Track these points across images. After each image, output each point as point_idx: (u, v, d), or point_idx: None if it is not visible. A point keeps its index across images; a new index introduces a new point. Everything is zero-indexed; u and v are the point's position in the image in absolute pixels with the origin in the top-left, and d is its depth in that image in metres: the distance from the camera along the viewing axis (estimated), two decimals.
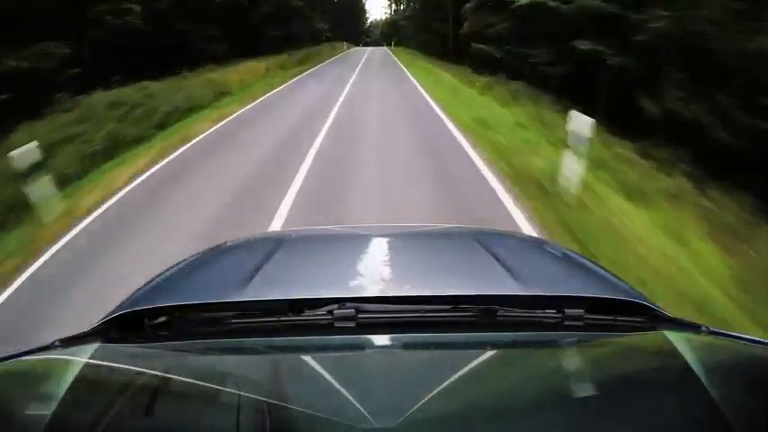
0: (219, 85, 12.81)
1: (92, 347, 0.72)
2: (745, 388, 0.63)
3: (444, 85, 13.46)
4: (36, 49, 8.70)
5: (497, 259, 0.94)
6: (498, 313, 0.76)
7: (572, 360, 0.76)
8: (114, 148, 7.19)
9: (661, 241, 3.75)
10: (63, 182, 5.51)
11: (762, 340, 0.70)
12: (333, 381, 0.63)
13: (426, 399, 0.56)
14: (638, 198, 4.61)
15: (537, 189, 4.63)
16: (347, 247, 1.18)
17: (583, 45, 9.10)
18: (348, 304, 0.75)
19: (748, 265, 3.51)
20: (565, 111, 5.30)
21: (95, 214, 4.80)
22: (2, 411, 0.59)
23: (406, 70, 19.28)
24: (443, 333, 0.76)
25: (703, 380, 0.59)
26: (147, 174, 6.02)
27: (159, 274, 1.04)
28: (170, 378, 0.68)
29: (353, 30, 66.73)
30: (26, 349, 0.72)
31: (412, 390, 0.60)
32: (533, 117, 8.31)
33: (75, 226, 4.52)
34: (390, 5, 71.72)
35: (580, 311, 0.77)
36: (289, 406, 0.59)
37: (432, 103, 10.24)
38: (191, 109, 10.14)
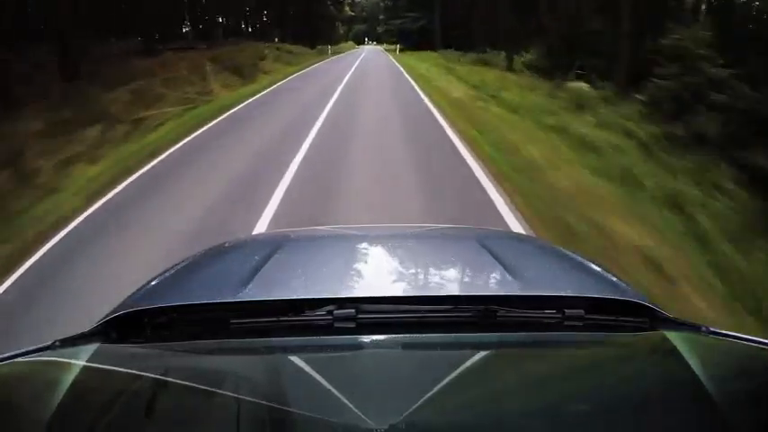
0: None
1: (91, 348, 0.72)
2: (745, 388, 0.63)
3: None
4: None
5: (497, 259, 0.94)
6: (498, 313, 0.76)
7: (572, 360, 0.76)
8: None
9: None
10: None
11: (762, 340, 0.70)
12: (333, 381, 0.63)
13: (427, 399, 0.56)
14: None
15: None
16: (347, 247, 1.18)
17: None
18: (348, 305, 0.75)
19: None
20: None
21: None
22: (2, 411, 0.59)
23: None
24: (443, 333, 0.76)
25: (703, 380, 0.59)
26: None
27: (159, 274, 1.04)
28: (170, 378, 0.69)
29: (314, 12, 39.22)
30: (26, 349, 0.72)
31: (412, 390, 0.60)
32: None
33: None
34: None
35: (580, 311, 0.77)
36: (288, 406, 0.59)
37: None
38: None
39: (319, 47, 35.19)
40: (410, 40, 37.49)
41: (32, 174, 6.17)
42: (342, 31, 72.07)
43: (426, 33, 34.51)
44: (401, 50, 35.37)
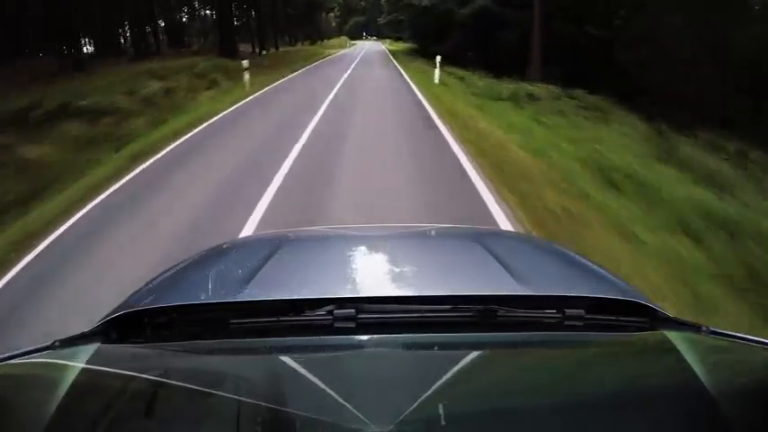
0: None
1: (91, 348, 0.72)
2: (745, 388, 0.63)
3: None
4: None
5: (497, 259, 0.94)
6: (498, 313, 0.76)
7: (572, 360, 0.76)
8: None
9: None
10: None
11: (762, 340, 0.70)
12: (333, 381, 0.63)
13: (427, 399, 0.56)
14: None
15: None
16: (347, 247, 1.16)
17: None
18: (348, 305, 0.75)
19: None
20: None
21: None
22: (2, 411, 0.59)
23: None
24: (443, 333, 0.76)
25: (703, 380, 0.60)
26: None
27: (159, 274, 1.04)
28: (170, 379, 0.68)
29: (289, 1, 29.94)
30: (26, 349, 0.72)
31: (412, 390, 0.60)
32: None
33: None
34: None
35: (580, 311, 0.77)
36: (288, 407, 0.59)
37: None
38: None
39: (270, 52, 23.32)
40: (439, 41, 18.41)
41: None
42: (334, 24, 64.45)
43: (487, 33, 15.89)
44: (443, 70, 13.58)
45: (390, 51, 32.30)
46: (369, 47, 39.41)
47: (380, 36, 55.31)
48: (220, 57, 21.46)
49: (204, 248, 1.20)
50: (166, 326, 0.78)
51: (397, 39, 43.46)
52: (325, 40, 48.94)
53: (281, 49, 31.51)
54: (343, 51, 35.39)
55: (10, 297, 3.44)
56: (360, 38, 58.07)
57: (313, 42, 42.67)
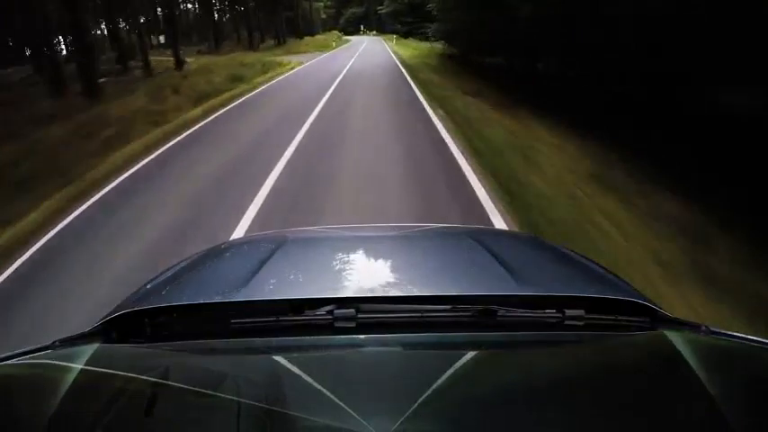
0: None
1: (92, 348, 0.72)
2: (745, 388, 0.63)
3: None
4: None
5: (497, 259, 0.94)
6: (498, 313, 0.76)
7: (572, 360, 0.76)
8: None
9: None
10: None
11: (762, 340, 0.70)
12: (333, 381, 0.63)
13: (427, 399, 0.56)
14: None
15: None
16: (347, 247, 1.17)
17: None
18: (348, 304, 0.76)
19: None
20: None
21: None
22: (1, 412, 0.59)
23: None
24: (443, 333, 0.76)
25: (703, 379, 0.60)
26: None
27: (159, 274, 1.04)
28: (170, 379, 0.68)
29: None
30: (26, 349, 0.72)
31: (412, 390, 0.60)
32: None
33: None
34: None
35: (580, 311, 0.78)
36: (288, 407, 0.59)
37: None
38: None
39: None
40: None
41: None
42: (325, 16, 51.55)
43: None
44: None
45: (406, 65, 16.92)
46: (366, 48, 26.80)
47: (381, 31, 42.12)
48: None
49: (203, 249, 1.21)
50: (166, 326, 0.79)
51: (406, 35, 31.45)
52: (305, 37, 35.03)
53: (203, 60, 17.72)
54: (315, 60, 21.66)
55: None
56: (357, 32, 45.26)
57: (280, 42, 29.11)
